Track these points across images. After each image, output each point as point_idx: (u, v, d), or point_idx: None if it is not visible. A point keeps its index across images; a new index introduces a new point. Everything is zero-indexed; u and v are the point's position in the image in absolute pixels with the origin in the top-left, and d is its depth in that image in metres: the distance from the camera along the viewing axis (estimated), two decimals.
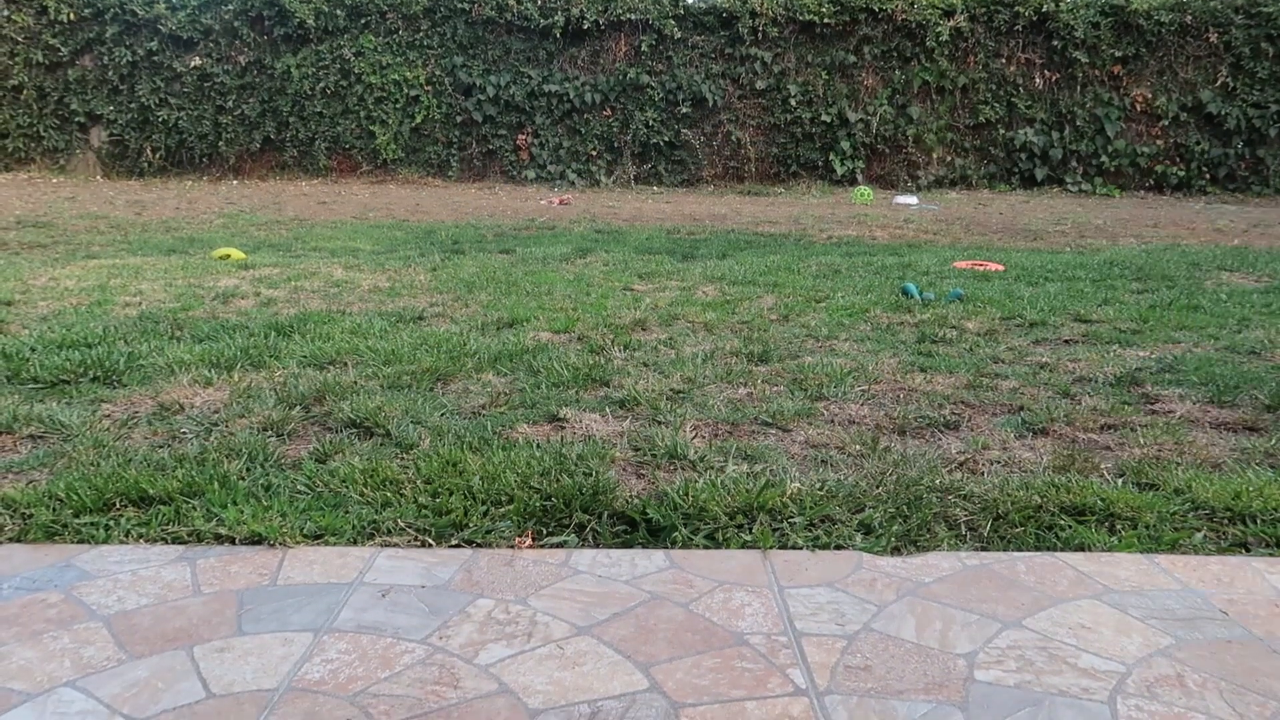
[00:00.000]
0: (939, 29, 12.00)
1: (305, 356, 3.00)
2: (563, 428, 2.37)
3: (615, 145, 12.52)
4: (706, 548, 1.76)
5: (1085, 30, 11.90)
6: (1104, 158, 12.21)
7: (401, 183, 12.30)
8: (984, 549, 1.77)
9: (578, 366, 2.89)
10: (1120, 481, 2.05)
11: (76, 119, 12.61)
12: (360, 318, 3.62)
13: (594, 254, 5.63)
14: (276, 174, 12.65)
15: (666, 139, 12.43)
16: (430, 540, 1.76)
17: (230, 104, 12.51)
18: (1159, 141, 12.24)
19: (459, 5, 12.21)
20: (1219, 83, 12.03)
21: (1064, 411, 2.53)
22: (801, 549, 1.75)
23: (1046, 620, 1.51)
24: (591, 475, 1.99)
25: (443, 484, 1.95)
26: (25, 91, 12.43)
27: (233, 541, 1.75)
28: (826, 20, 12.07)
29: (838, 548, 1.76)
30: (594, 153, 12.49)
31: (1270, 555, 1.76)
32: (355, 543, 1.75)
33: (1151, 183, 12.28)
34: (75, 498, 1.85)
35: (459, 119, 12.50)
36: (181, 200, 9.41)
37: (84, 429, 2.29)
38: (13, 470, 2.05)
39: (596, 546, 1.77)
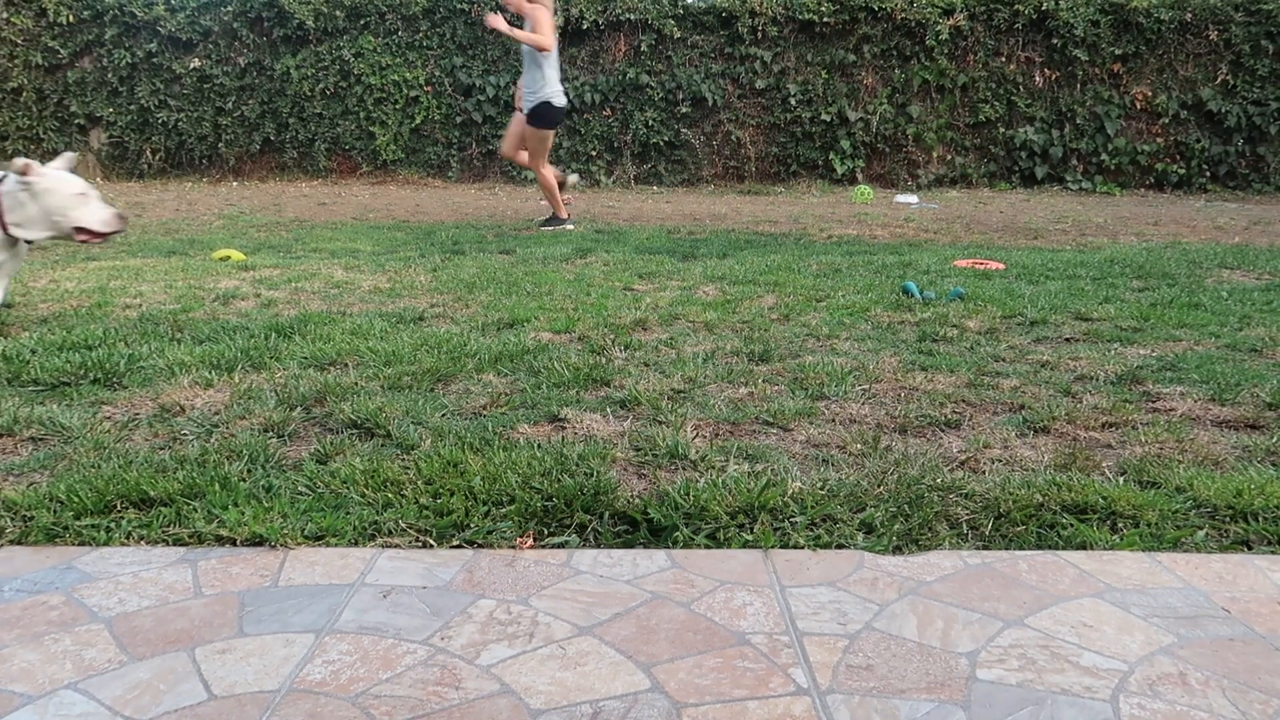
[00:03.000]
0: (939, 28, 12.00)
1: (306, 358, 3.00)
2: (564, 428, 2.37)
3: (615, 145, 12.52)
4: (708, 547, 1.76)
5: (1085, 28, 11.90)
6: (1104, 156, 12.21)
7: (401, 183, 12.30)
8: (986, 548, 1.76)
9: (578, 367, 2.89)
10: (1122, 480, 2.05)
11: (76, 121, 12.61)
12: (361, 319, 3.62)
13: (594, 254, 5.63)
14: (276, 175, 12.66)
15: (666, 139, 12.43)
16: (431, 541, 1.76)
17: (230, 105, 12.52)
18: (1159, 139, 12.24)
19: (458, 6, 12.22)
20: (1219, 80, 12.02)
21: (1065, 410, 2.53)
22: (803, 548, 1.75)
23: (1048, 619, 1.51)
24: (592, 475, 1.98)
25: (444, 484, 1.95)
26: (25, 94, 12.43)
27: (234, 543, 1.75)
28: (826, 19, 12.07)
29: (839, 547, 1.76)
30: (594, 153, 12.49)
31: (1272, 553, 1.76)
32: (356, 544, 1.75)
33: (1152, 181, 12.27)
34: (76, 500, 1.85)
35: (459, 119, 12.50)
36: (181, 202, 9.42)
37: (85, 431, 2.29)
38: (14, 472, 2.05)
39: (598, 547, 1.77)
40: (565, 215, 7.29)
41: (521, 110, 7.03)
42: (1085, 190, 12.07)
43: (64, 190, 3.29)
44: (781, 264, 5.21)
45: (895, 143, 12.42)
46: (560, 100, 6.96)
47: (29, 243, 3.40)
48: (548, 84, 6.90)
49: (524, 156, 7.25)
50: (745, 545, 1.76)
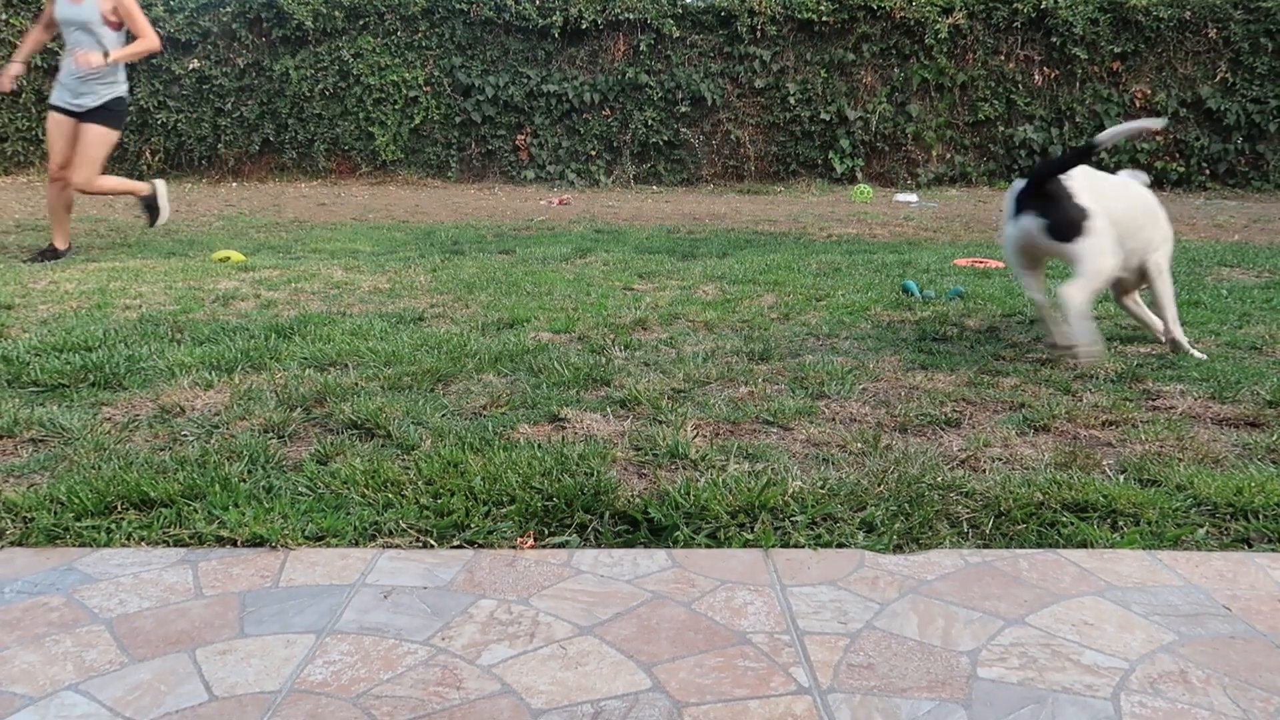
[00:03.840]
0: (938, 26, 12.00)
1: (306, 358, 3.00)
2: (564, 428, 2.37)
3: (614, 145, 12.51)
4: (708, 547, 1.76)
5: (1084, 26, 11.89)
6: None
7: (401, 184, 12.30)
8: (986, 546, 1.76)
9: (578, 366, 2.89)
10: (1122, 478, 2.05)
11: None
12: (360, 319, 3.62)
13: (594, 254, 5.62)
14: (276, 176, 12.65)
15: (665, 138, 12.42)
16: (432, 541, 1.76)
17: (229, 106, 12.51)
18: (1158, 137, 12.23)
19: (457, 6, 12.21)
20: (1218, 78, 12.02)
21: (1065, 408, 2.53)
22: (803, 547, 1.75)
23: (1049, 617, 1.51)
24: (593, 475, 1.98)
25: (444, 485, 1.95)
26: (24, 94, 12.43)
27: (234, 544, 1.75)
28: (825, 18, 12.06)
29: (840, 546, 1.76)
30: (593, 152, 12.48)
31: (1273, 551, 1.76)
32: (357, 544, 1.75)
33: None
34: (77, 501, 1.85)
35: (458, 120, 12.50)
36: (181, 203, 9.41)
37: (85, 432, 2.29)
38: (14, 474, 2.05)
39: (598, 546, 1.77)
40: (66, 246, 5.54)
41: (66, 108, 5.37)
42: None
43: None
44: (781, 263, 5.21)
45: (894, 141, 12.41)
46: (128, 94, 5.72)
47: None
48: (121, 73, 5.58)
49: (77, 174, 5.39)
50: (746, 544, 1.76)
